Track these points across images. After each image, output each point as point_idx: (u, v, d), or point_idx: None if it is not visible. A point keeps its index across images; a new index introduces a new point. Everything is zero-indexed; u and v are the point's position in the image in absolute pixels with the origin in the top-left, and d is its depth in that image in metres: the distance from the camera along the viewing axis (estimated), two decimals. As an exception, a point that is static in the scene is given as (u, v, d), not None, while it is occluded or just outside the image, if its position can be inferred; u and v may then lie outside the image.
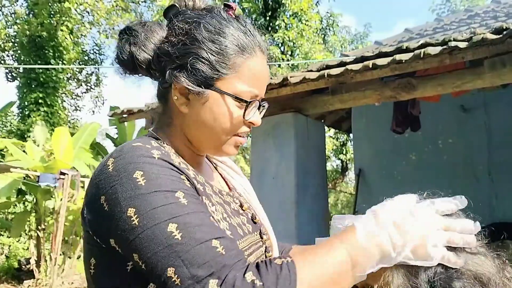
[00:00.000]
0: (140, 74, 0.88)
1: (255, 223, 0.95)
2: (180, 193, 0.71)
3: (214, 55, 0.79)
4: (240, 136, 0.87)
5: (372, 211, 0.71)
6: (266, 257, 0.94)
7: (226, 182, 1.02)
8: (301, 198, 3.91)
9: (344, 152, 15.39)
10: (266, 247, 0.95)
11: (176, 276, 0.63)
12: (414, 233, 0.67)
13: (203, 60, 0.79)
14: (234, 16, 0.86)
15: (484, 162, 5.18)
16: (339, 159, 16.21)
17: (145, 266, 0.67)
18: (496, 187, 5.05)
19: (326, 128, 8.02)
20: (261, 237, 0.95)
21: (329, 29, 17.14)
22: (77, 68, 15.13)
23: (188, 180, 0.77)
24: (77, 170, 7.49)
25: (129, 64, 0.86)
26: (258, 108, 0.88)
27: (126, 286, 0.74)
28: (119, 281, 0.74)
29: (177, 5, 0.87)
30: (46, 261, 8.14)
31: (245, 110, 0.83)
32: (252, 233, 0.91)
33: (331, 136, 14.82)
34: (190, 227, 0.67)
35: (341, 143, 15.39)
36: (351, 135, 8.42)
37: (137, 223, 0.67)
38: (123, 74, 0.89)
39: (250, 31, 0.84)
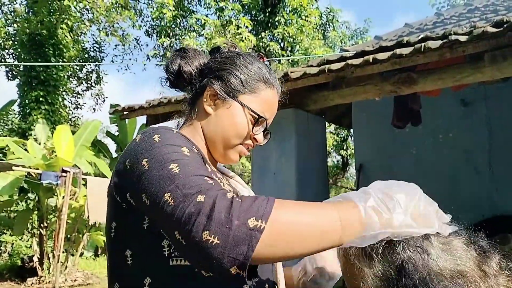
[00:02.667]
0: (178, 85, 1.08)
1: None
2: (185, 148, 0.83)
3: (244, 76, 1.01)
4: (244, 145, 1.03)
5: (362, 189, 0.72)
6: (272, 263, 0.98)
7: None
8: (302, 193, 3.92)
9: (344, 148, 15.39)
10: None
11: (170, 198, 0.71)
12: (406, 201, 0.68)
13: (236, 76, 1.00)
14: (264, 61, 1.08)
15: (485, 156, 5.18)
16: (339, 154, 16.22)
17: (149, 201, 0.75)
18: (496, 180, 5.05)
19: (327, 124, 8.02)
20: None
21: (329, 24, 17.09)
22: (77, 64, 15.13)
23: (200, 156, 0.88)
24: (79, 168, 7.51)
25: (173, 73, 1.05)
26: (264, 131, 1.06)
27: (142, 245, 0.84)
28: (136, 240, 0.85)
29: (222, 47, 1.10)
30: (49, 258, 8.18)
31: (254, 124, 1.00)
32: None
33: (331, 132, 14.82)
34: (187, 166, 0.77)
35: (342, 138, 15.39)
36: (351, 130, 8.43)
37: (147, 168, 0.78)
38: (165, 81, 1.08)
39: (272, 74, 1.06)
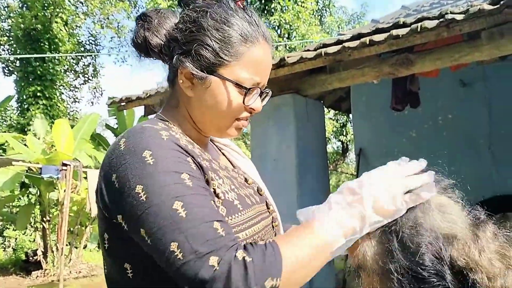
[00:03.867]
0: (153, 58, 0.93)
1: (261, 195, 0.99)
2: (185, 174, 0.75)
3: (217, 43, 0.84)
4: (242, 120, 0.92)
5: (327, 200, 0.77)
6: (273, 227, 0.98)
7: (230, 162, 1.06)
8: (303, 179, 3.93)
9: (344, 134, 15.40)
10: (272, 217, 0.98)
11: (179, 250, 0.67)
12: (366, 199, 0.73)
13: (207, 47, 0.83)
14: (241, 7, 0.90)
15: (485, 136, 5.17)
16: (339, 140, 16.23)
17: (150, 241, 0.71)
18: (496, 160, 5.06)
19: (326, 110, 8.00)
20: (268, 208, 0.98)
21: (326, 10, 16.97)
22: (73, 55, 15.04)
23: (194, 162, 0.80)
24: (79, 161, 7.51)
25: (142, 48, 0.91)
26: (260, 95, 0.92)
27: (144, 260, 0.77)
28: (135, 256, 0.78)
29: None
30: (52, 252, 8.24)
31: (244, 97, 0.87)
32: (259, 203, 0.95)
33: (331, 118, 14.80)
34: (194, 207, 0.71)
35: (341, 124, 15.38)
36: (350, 115, 8.41)
37: (144, 199, 0.71)
38: (138, 57, 0.94)
39: (255, 21, 0.89)
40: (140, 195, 0.72)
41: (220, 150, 1.07)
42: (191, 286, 0.67)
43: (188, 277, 0.67)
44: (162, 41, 0.89)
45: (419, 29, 2.81)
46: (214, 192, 0.81)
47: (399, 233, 0.73)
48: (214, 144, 1.07)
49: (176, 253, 0.67)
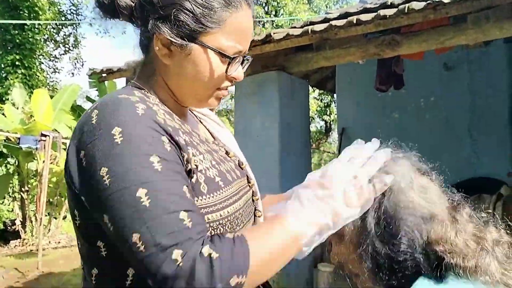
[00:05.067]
0: (121, 20, 0.85)
1: (241, 168, 0.97)
2: (155, 157, 0.69)
3: (198, 8, 0.77)
4: (222, 90, 0.87)
5: (295, 194, 0.77)
6: (253, 201, 0.97)
7: (210, 133, 1.03)
8: (285, 156, 3.95)
9: (328, 113, 15.47)
10: (253, 191, 0.98)
11: (141, 242, 0.64)
12: (336, 194, 0.73)
13: (187, 12, 0.77)
14: None
15: (466, 120, 5.27)
16: (323, 120, 16.31)
17: (112, 229, 0.67)
18: (476, 144, 5.17)
19: (310, 89, 8.00)
20: (248, 182, 0.97)
21: (314, -13, 16.76)
22: (55, 23, 14.58)
23: (170, 141, 0.74)
24: (58, 132, 7.38)
25: (109, 9, 0.83)
26: (242, 63, 0.87)
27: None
28: (103, 232, 0.73)
29: None
30: (31, 222, 8.17)
31: (228, 66, 0.82)
32: (240, 178, 0.93)
33: (315, 97, 14.83)
34: (159, 195, 0.66)
35: (325, 104, 15.44)
36: (335, 95, 8.42)
37: (108, 184, 0.67)
38: (102, 18, 0.86)
39: None
40: (104, 178, 0.67)
41: (199, 120, 1.04)
42: (153, 280, 0.65)
43: (150, 271, 0.64)
44: (133, 2, 0.82)
45: (406, 10, 2.80)
46: (197, 168, 0.78)
47: (381, 217, 0.74)
48: (193, 114, 1.03)
49: (138, 245, 0.64)
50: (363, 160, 0.77)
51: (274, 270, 0.71)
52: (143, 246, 0.64)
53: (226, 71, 0.83)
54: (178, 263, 0.63)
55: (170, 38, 0.78)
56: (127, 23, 0.87)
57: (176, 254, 0.63)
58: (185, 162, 0.76)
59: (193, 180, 0.77)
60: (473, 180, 4.88)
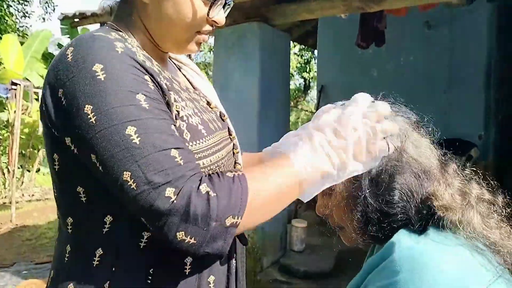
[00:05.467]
0: None
1: (223, 120, 0.95)
2: (141, 95, 0.67)
3: None
4: (202, 34, 0.83)
5: (307, 134, 0.75)
6: (234, 154, 0.95)
7: (190, 83, 0.99)
8: (264, 111, 3.91)
9: (307, 70, 15.36)
10: (233, 144, 0.95)
11: (132, 180, 0.63)
12: (348, 145, 0.72)
13: None
14: None
15: (443, 80, 5.31)
16: (302, 77, 16.22)
17: (102, 168, 0.65)
18: (451, 105, 5.24)
19: (291, 44, 7.86)
20: (230, 134, 0.95)
21: None
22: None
23: (153, 80, 0.72)
24: (30, 81, 7.11)
25: None
26: (223, 7, 0.83)
27: (92, 180, 0.71)
28: (89, 177, 0.71)
29: None
30: (4, 174, 8.01)
31: (209, 8, 0.79)
32: (222, 129, 0.90)
33: (295, 53, 14.65)
34: (149, 133, 0.65)
35: (305, 60, 15.29)
36: (315, 52, 8.32)
37: (94, 122, 0.64)
38: None
39: None
40: (89, 116, 0.64)
41: (179, 69, 1.00)
42: (146, 217, 0.64)
43: (143, 209, 0.63)
44: None
45: (394, -38, 2.72)
46: (178, 114, 0.75)
47: (376, 171, 0.74)
48: (172, 62, 0.99)
49: (129, 183, 0.63)
50: (378, 115, 0.75)
51: (273, 211, 0.71)
52: (135, 184, 0.63)
53: (208, 14, 0.79)
54: (171, 200, 0.62)
55: None
56: None
57: (169, 191, 0.62)
58: (166, 106, 0.73)
59: (176, 126, 0.74)
60: (445, 141, 4.99)
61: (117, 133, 0.64)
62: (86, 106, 0.65)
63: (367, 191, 0.73)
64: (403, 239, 0.68)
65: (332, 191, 0.78)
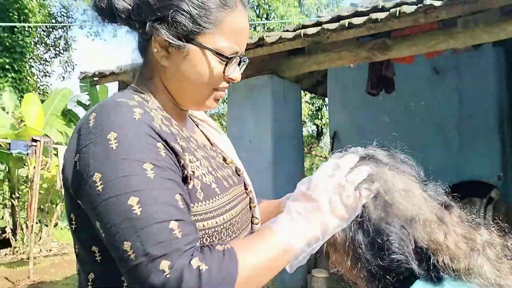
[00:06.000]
0: (118, 23, 0.86)
1: (239, 175, 0.97)
2: (148, 164, 0.69)
3: (195, 9, 0.78)
4: (219, 91, 0.87)
5: (287, 207, 0.77)
6: (250, 208, 0.97)
7: (208, 139, 1.02)
8: (278, 160, 3.96)
9: (319, 117, 15.52)
10: (250, 198, 0.98)
11: (131, 251, 0.64)
12: (322, 203, 0.74)
13: (184, 13, 0.78)
14: None
15: (454, 124, 5.32)
16: (314, 124, 16.35)
17: (105, 236, 0.68)
18: (465, 148, 5.22)
19: (302, 93, 8.02)
20: (246, 189, 0.98)
21: (305, -9, 16.85)
22: (45, 26, 14.48)
23: (165, 147, 0.74)
24: (49, 137, 7.32)
25: (107, 13, 0.83)
26: (239, 64, 0.87)
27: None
28: (98, 237, 0.72)
29: None
30: (22, 229, 8.05)
31: (225, 66, 0.83)
32: (238, 184, 0.93)
33: (306, 102, 14.88)
34: (151, 204, 0.66)
35: (317, 108, 15.49)
36: (326, 99, 8.45)
37: (100, 190, 0.67)
38: (101, 23, 0.86)
39: None
40: (96, 184, 0.67)
41: (197, 126, 1.04)
42: None
43: (139, 281, 0.64)
44: (130, 5, 0.82)
45: (397, 14, 2.84)
46: (193, 174, 0.78)
47: (367, 225, 0.75)
48: (191, 119, 1.03)
49: (128, 253, 0.64)
50: (346, 169, 0.78)
51: (262, 282, 0.71)
52: (134, 255, 0.64)
53: (224, 72, 0.83)
54: (165, 274, 0.63)
55: (168, 39, 0.79)
56: (119, 26, 0.87)
57: (164, 264, 0.63)
58: (181, 168, 0.76)
59: (190, 186, 0.76)
60: (463, 184, 4.92)
61: (120, 203, 0.66)
62: (96, 174, 0.68)
63: (361, 247, 0.74)
64: None
65: (336, 249, 0.79)
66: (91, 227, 0.73)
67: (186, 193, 0.74)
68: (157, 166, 0.70)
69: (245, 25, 0.85)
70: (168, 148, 0.74)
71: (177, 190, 0.71)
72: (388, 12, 2.91)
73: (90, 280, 0.78)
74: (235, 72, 0.86)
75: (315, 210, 0.73)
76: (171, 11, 0.78)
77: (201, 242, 0.76)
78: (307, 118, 15.58)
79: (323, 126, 16.01)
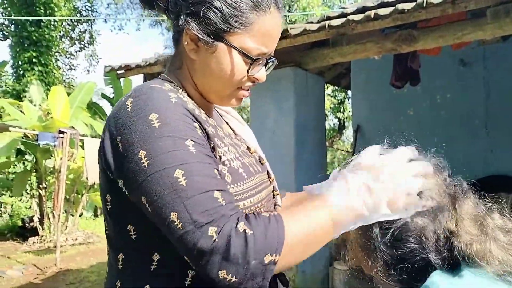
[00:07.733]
0: (158, 12, 0.91)
1: (262, 164, 1.00)
2: (190, 141, 0.73)
3: (227, 8, 0.80)
4: (244, 90, 0.90)
5: (343, 176, 0.76)
6: (274, 196, 0.99)
7: (232, 129, 1.05)
8: (300, 153, 3.95)
9: (341, 110, 15.36)
10: (273, 186, 1.00)
11: (178, 220, 0.67)
12: (385, 190, 0.72)
13: (216, 10, 0.80)
14: None
15: (481, 117, 5.20)
16: (336, 117, 16.20)
17: (151, 209, 0.71)
18: (491, 141, 5.10)
19: (325, 86, 7.96)
20: (269, 177, 0.99)
21: (328, -17, 16.62)
22: (70, 20, 14.72)
23: (200, 127, 0.78)
24: (75, 129, 7.49)
25: (147, 1, 0.89)
26: (265, 65, 0.89)
27: (147, 222, 0.76)
28: (139, 217, 0.77)
29: None
30: (49, 218, 8.30)
31: (249, 67, 0.84)
32: (261, 172, 0.95)
33: (329, 94, 14.73)
34: (195, 176, 0.70)
35: (339, 101, 15.32)
36: (349, 92, 8.36)
37: (146, 166, 0.71)
38: (142, 9, 0.92)
39: None
40: (142, 161, 0.71)
41: (222, 117, 1.07)
42: (190, 256, 0.68)
43: (188, 248, 0.67)
44: None
45: (424, 4, 2.78)
46: (220, 159, 0.81)
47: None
48: (216, 110, 1.06)
49: (176, 223, 0.67)
50: (418, 168, 0.75)
51: (309, 251, 0.73)
52: (181, 224, 0.67)
53: (248, 72, 0.85)
54: (213, 239, 0.66)
55: (198, 34, 0.81)
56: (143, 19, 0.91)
57: (212, 230, 0.66)
58: (211, 150, 0.80)
59: (218, 170, 0.79)
60: (490, 178, 4.82)
61: (167, 176, 0.69)
62: (141, 151, 0.71)
63: (377, 239, 0.74)
64: (436, 282, 0.69)
65: (348, 241, 0.80)
66: (129, 206, 0.77)
67: (219, 170, 0.78)
68: (197, 143, 0.74)
69: (276, 28, 0.86)
70: (202, 129, 0.79)
71: (215, 166, 0.76)
72: (415, 3, 2.85)
73: (120, 260, 0.82)
74: (260, 72, 0.88)
75: (378, 192, 0.72)
76: (204, 7, 0.80)
77: None
78: (329, 111, 15.45)
79: (345, 120, 15.85)
